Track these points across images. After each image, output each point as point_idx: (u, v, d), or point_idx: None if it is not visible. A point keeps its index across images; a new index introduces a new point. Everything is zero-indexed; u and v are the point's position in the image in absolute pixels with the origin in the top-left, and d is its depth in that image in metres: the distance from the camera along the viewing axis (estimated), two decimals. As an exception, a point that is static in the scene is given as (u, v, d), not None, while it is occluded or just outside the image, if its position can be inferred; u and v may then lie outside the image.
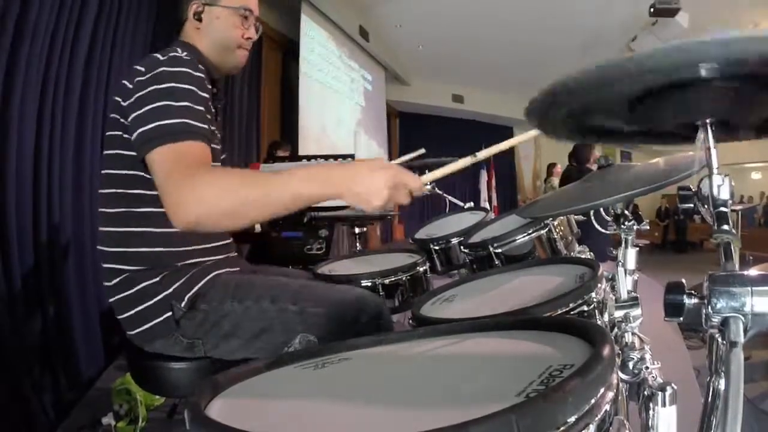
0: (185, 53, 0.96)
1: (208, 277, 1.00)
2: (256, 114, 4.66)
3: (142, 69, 0.92)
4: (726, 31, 0.40)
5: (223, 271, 1.05)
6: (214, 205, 0.75)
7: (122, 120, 0.94)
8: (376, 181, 0.76)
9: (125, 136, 0.93)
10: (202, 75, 0.95)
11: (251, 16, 1.10)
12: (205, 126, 0.88)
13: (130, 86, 0.92)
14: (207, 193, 0.75)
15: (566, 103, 0.54)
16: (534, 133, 0.88)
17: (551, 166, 7.23)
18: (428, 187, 2.39)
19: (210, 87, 1.00)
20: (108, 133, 0.98)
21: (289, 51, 5.07)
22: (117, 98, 0.95)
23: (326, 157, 2.21)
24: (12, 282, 1.79)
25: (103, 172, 1.00)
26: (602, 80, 0.48)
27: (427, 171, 0.91)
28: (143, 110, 0.87)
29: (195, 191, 0.75)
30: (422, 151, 1.90)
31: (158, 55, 0.93)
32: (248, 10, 1.09)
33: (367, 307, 0.98)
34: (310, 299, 0.97)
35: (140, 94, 0.89)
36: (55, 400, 1.93)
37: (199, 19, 1.07)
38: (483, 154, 0.91)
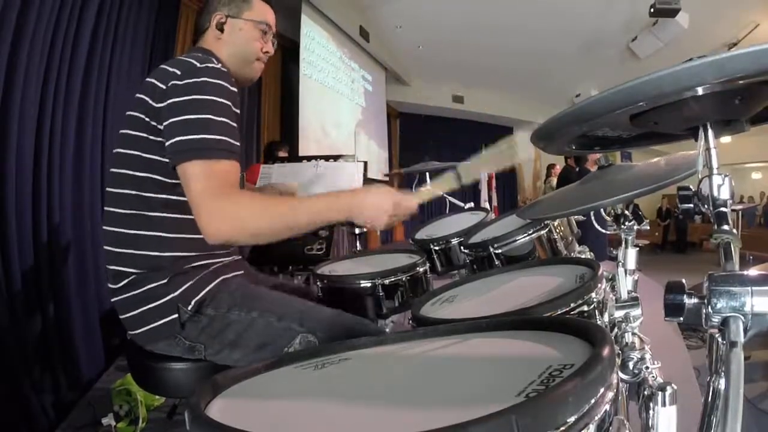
0: (220, 65, 0.96)
1: (216, 282, 1.00)
2: (257, 114, 4.66)
3: (177, 72, 0.92)
4: (717, 52, 0.41)
5: (230, 275, 1.05)
6: (247, 227, 0.86)
7: (148, 120, 0.93)
8: (379, 207, 0.92)
9: (152, 138, 0.93)
10: (235, 89, 0.97)
11: (270, 31, 1.12)
12: (238, 144, 0.92)
13: (163, 87, 0.92)
14: (241, 215, 0.86)
15: (577, 127, 0.56)
16: (524, 157, 0.94)
17: (551, 167, 7.25)
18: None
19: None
20: (126, 132, 0.97)
21: (289, 51, 5.07)
22: (143, 96, 0.94)
23: (327, 158, 2.21)
24: (12, 282, 1.79)
25: (113, 170, 0.99)
26: (610, 107, 0.50)
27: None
28: (183, 118, 0.88)
29: (230, 212, 0.85)
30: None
31: (194, 62, 0.93)
32: (268, 25, 1.11)
33: None
34: (316, 323, 0.98)
35: (178, 99, 0.89)
36: (55, 400, 1.92)
37: (221, 30, 1.07)
38: (467, 176, 1.00)
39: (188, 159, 0.86)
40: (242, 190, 0.92)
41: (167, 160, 0.91)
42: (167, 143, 0.89)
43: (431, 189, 1.02)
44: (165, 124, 0.90)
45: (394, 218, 0.95)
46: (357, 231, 2.13)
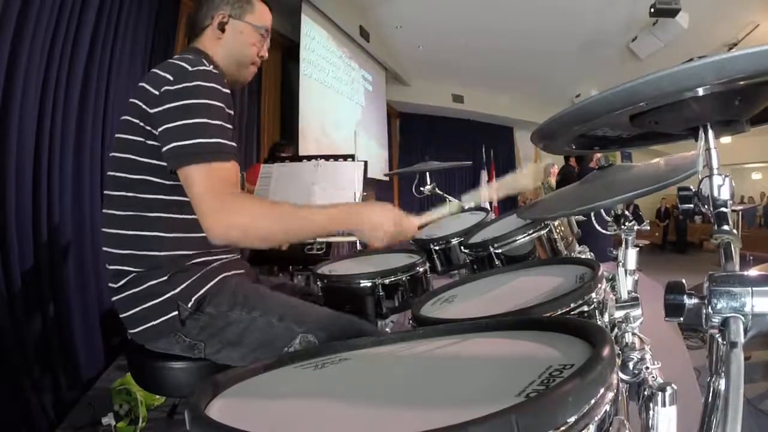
0: (212, 66, 0.96)
1: (216, 280, 1.00)
2: (257, 114, 4.66)
3: (170, 77, 0.92)
4: (717, 52, 0.41)
5: (231, 273, 1.05)
6: (250, 226, 0.87)
7: (143, 125, 0.94)
8: (380, 226, 0.93)
9: (148, 142, 0.94)
10: (228, 91, 0.97)
11: (267, 36, 1.14)
12: (234, 144, 0.93)
13: (156, 92, 0.92)
14: (245, 213, 0.86)
15: (576, 127, 0.57)
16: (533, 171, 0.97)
17: (548, 167, 7.25)
18: (430, 191, 2.38)
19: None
20: (121, 136, 0.97)
21: (289, 51, 5.07)
22: (137, 102, 0.95)
23: (327, 158, 2.21)
24: (12, 282, 1.79)
25: (110, 173, 1.00)
26: (610, 107, 0.50)
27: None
28: (178, 123, 0.89)
29: (234, 211, 0.86)
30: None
31: (185, 65, 0.93)
32: (267, 30, 1.13)
33: None
34: (316, 324, 0.99)
35: (172, 105, 0.90)
36: (55, 400, 1.93)
37: (222, 30, 1.08)
38: (469, 202, 1.01)
39: (188, 163, 0.87)
40: (245, 193, 0.93)
41: (164, 164, 0.91)
42: (164, 148, 0.90)
43: (435, 213, 1.05)
44: (160, 129, 0.91)
45: (393, 240, 0.96)
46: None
